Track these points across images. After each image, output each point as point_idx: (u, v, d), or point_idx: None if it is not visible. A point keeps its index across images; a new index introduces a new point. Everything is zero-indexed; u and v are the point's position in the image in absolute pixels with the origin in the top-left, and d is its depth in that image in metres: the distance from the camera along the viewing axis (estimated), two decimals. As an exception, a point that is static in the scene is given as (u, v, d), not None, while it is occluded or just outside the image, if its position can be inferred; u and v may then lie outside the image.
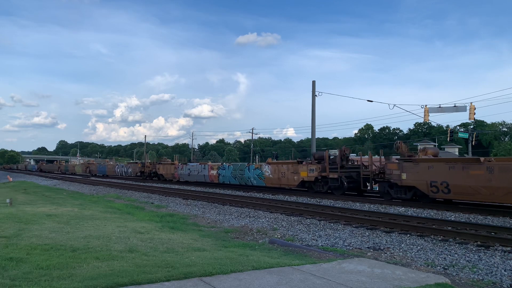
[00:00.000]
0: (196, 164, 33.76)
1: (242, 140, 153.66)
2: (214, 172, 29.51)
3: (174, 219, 13.97)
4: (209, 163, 36.15)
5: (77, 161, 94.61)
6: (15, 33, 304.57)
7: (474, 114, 28.52)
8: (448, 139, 55.72)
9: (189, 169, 32.75)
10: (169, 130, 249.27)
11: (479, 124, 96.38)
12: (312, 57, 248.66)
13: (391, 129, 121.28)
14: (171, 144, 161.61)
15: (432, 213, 14.31)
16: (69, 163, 78.29)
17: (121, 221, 12.13)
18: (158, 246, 8.09)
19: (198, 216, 14.96)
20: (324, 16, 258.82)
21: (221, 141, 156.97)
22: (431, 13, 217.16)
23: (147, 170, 41.69)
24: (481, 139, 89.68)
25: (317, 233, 11.02)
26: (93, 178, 48.62)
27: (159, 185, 32.05)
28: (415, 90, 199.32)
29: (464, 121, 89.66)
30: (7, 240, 8.06)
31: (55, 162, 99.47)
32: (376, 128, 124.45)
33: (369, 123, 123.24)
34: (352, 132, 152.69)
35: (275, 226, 12.35)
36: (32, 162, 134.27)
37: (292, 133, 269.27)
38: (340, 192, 19.98)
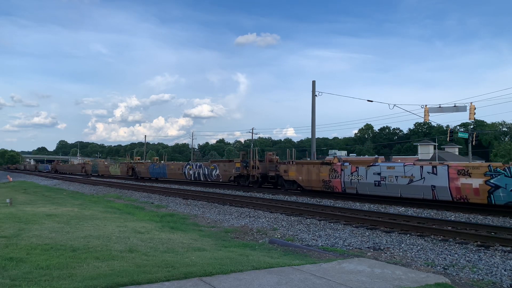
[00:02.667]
0: (396, 164, 18.38)
1: (242, 140, 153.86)
2: (472, 182, 14.67)
3: (174, 219, 13.97)
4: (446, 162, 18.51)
5: (76, 161, 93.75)
6: (15, 33, 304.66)
7: (474, 114, 28.50)
8: (448, 139, 55.76)
9: (379, 173, 18.01)
10: (169, 130, 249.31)
11: (479, 124, 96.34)
12: (312, 57, 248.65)
13: (391, 129, 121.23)
14: (171, 144, 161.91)
15: (432, 213, 14.32)
16: (99, 162, 62.37)
17: (121, 221, 12.13)
18: (158, 246, 8.10)
19: (198, 216, 14.96)
20: (324, 16, 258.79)
21: (221, 141, 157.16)
22: (431, 13, 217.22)
23: (254, 172, 26.74)
24: (481, 139, 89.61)
25: (317, 233, 11.03)
26: (93, 178, 47.12)
27: (159, 185, 32.03)
28: (415, 90, 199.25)
29: (464, 121, 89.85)
30: (7, 240, 8.06)
31: (74, 161, 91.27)
32: (376, 128, 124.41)
33: (369, 123, 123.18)
34: (352, 132, 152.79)
35: (275, 226, 12.35)
36: (32, 162, 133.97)
37: (292, 133, 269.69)
38: None
